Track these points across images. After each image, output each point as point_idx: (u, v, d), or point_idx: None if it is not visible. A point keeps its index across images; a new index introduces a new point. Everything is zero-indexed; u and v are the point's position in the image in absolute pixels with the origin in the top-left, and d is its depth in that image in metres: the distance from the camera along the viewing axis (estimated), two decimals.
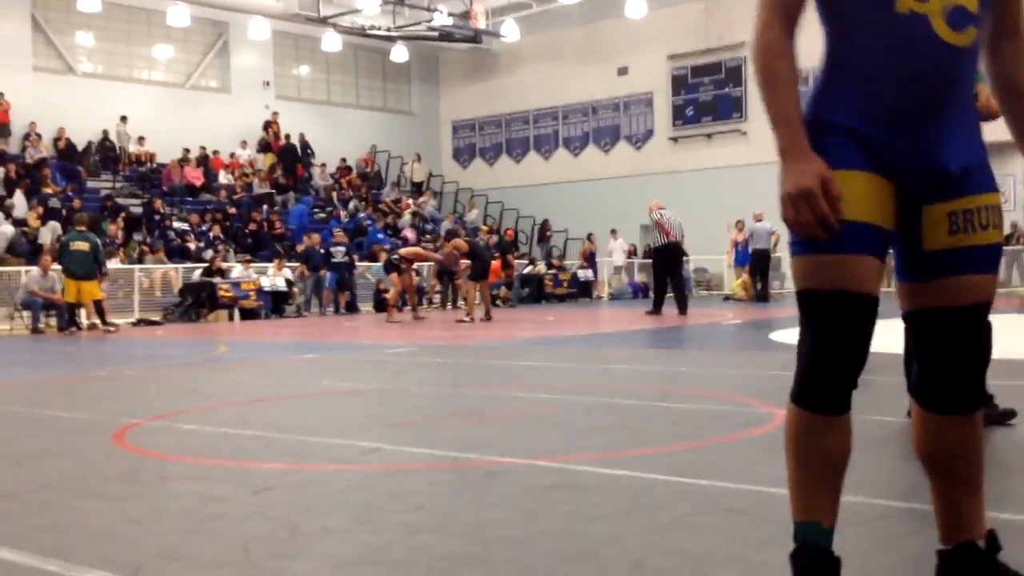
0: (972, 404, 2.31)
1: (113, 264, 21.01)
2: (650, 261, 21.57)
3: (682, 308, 17.60)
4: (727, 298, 21.91)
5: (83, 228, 18.04)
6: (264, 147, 30.47)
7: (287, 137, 30.65)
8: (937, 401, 2.32)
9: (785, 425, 2.32)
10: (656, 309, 17.86)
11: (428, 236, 28.43)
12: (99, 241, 18.04)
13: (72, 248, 17.48)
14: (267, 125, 30.68)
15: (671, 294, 17.92)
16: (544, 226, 31.76)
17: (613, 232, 29.37)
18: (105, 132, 27.18)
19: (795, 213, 2.10)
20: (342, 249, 22.65)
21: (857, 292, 2.18)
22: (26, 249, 21.16)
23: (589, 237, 29.57)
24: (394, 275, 18.90)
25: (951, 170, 2.21)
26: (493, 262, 26.58)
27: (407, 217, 29.52)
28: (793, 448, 2.30)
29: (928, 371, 2.32)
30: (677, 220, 18.16)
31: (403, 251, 19.88)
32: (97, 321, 17.64)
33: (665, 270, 18.02)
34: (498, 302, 25.30)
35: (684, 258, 18.84)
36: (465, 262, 18.99)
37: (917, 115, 2.18)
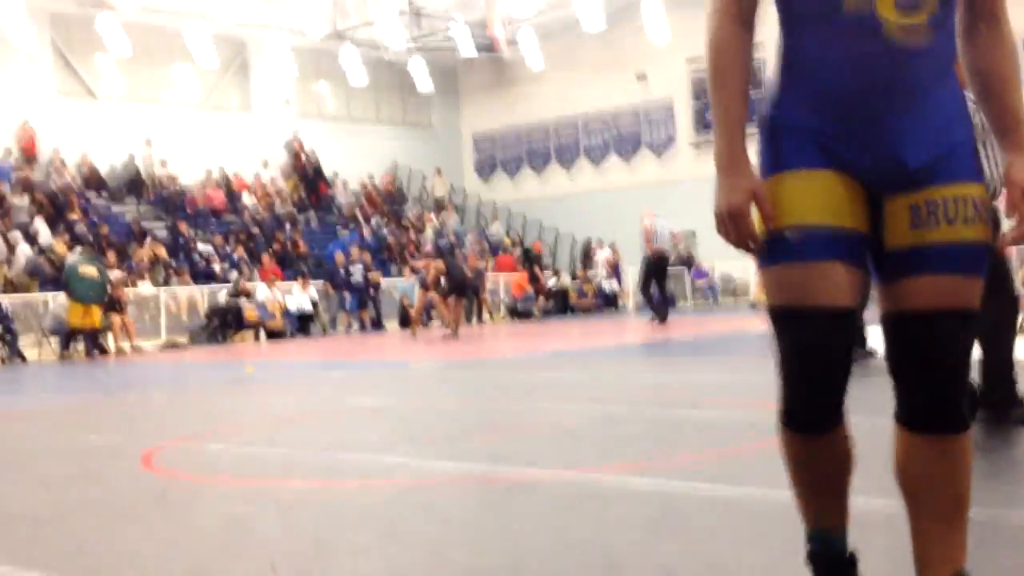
0: (943, 425, 2.08)
1: (144, 288, 21.20)
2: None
3: (662, 317, 17.59)
4: (754, 305, 21.79)
5: (88, 253, 18.32)
6: (290, 173, 30.56)
7: (309, 154, 30.77)
8: (906, 418, 2.12)
9: (780, 445, 2.22)
10: (660, 318, 17.69)
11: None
12: (103, 266, 18.08)
13: (82, 272, 17.62)
14: (290, 145, 30.79)
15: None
16: (588, 247, 30.99)
17: (599, 242, 29.32)
18: (131, 156, 27.38)
19: (725, 231, 2.05)
20: (360, 267, 22.62)
21: (825, 306, 2.02)
22: (49, 275, 21.32)
23: (612, 247, 29.52)
24: (418, 291, 19.01)
25: (908, 163, 2.04)
26: (517, 275, 26.68)
27: (429, 232, 29.57)
28: (791, 468, 2.21)
29: (896, 382, 2.13)
30: (666, 228, 18.18)
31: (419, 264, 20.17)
32: (81, 347, 17.69)
33: (651, 279, 17.90)
34: (534, 312, 25.29)
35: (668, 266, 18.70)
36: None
37: (871, 106, 2.03)
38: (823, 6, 2.02)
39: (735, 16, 2.10)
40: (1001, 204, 4.98)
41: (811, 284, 2.02)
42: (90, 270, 17.62)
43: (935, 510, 2.14)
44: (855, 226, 2.06)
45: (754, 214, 2.06)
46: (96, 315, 17.47)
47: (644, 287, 18.07)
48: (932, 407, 2.08)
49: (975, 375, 5.06)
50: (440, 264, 18.19)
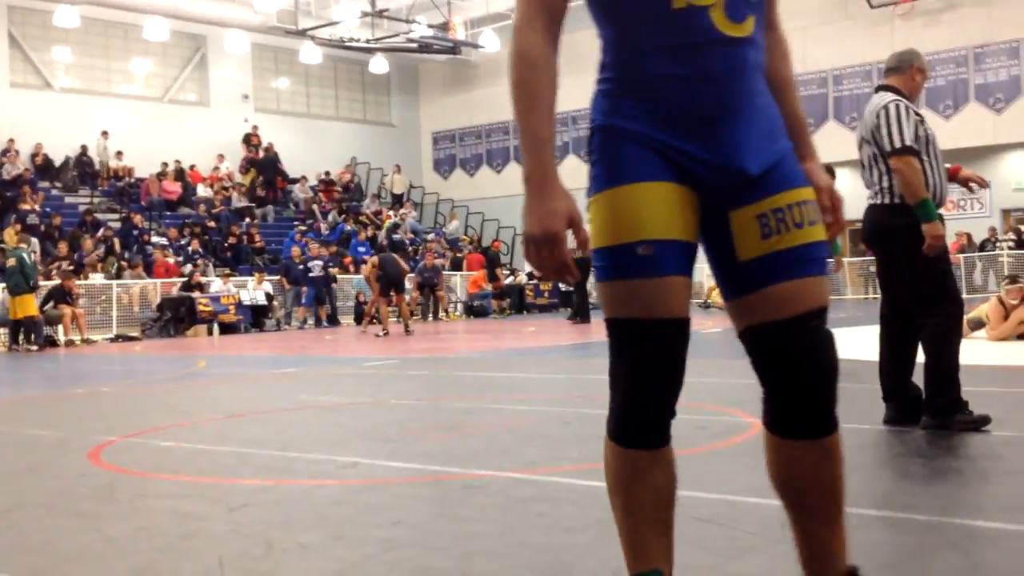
0: (820, 428, 2.10)
1: (96, 279, 20.96)
2: None
3: (586, 317, 18.79)
4: (707, 305, 21.94)
5: (14, 244, 18.14)
6: (248, 166, 30.31)
7: (267, 148, 30.57)
8: (782, 425, 2.10)
9: (606, 469, 2.12)
10: (581, 318, 18.88)
11: (410, 248, 28.42)
12: (25, 255, 17.79)
13: (9, 265, 17.51)
14: (247, 138, 30.58)
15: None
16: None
17: (496, 243, 29.45)
18: (84, 147, 27.05)
19: (538, 257, 1.95)
20: (319, 263, 22.54)
21: (672, 317, 2.01)
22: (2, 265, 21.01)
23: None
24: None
25: (750, 170, 2.02)
26: (475, 274, 26.70)
27: (385, 230, 29.48)
28: (620, 491, 2.09)
29: (769, 392, 2.11)
30: None
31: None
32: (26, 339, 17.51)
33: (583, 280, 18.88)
34: (492, 310, 25.34)
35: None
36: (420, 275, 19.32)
37: (707, 115, 2.00)
38: (653, 16, 1.99)
39: (544, 30, 2.04)
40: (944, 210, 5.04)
41: (661, 297, 1.99)
42: (11, 260, 17.47)
43: (821, 512, 2.14)
44: (689, 238, 2.05)
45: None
46: (22, 305, 17.22)
47: (580, 288, 19.28)
48: (811, 411, 2.08)
49: (919, 381, 5.15)
50: (375, 260, 18.29)
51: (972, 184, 5.50)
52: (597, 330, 17.44)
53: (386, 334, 17.50)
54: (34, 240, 21.66)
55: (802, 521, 2.16)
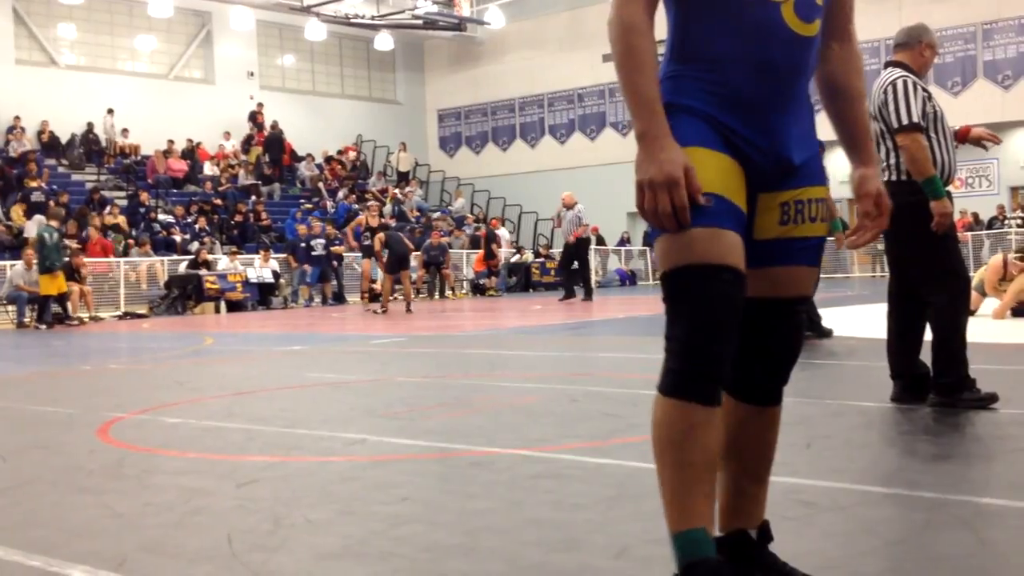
0: (775, 398, 2.34)
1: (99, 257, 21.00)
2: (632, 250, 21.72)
3: (571, 295, 19.44)
4: None
5: (51, 221, 18.14)
6: (248, 143, 30.28)
7: (272, 126, 30.53)
8: (745, 390, 2.31)
9: (656, 426, 2.14)
10: (577, 294, 19.40)
11: (415, 225, 28.39)
12: (47, 234, 17.71)
13: (42, 240, 17.53)
14: (253, 116, 30.53)
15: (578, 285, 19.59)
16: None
17: (495, 221, 29.36)
18: (90, 124, 27.03)
19: (655, 201, 2.01)
20: (322, 242, 22.51)
21: (729, 264, 2.07)
22: (6, 243, 21.07)
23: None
24: (366, 261, 19.27)
25: (794, 160, 2.20)
26: (481, 251, 26.69)
27: (388, 207, 29.46)
28: (672, 448, 2.10)
29: (744, 360, 2.25)
30: (575, 216, 19.24)
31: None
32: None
33: (572, 261, 19.62)
34: (489, 292, 25.37)
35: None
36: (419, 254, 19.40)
37: (765, 104, 2.15)
38: (728, 4, 2.11)
39: (644, 4, 2.13)
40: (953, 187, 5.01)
41: (720, 245, 2.07)
42: (44, 237, 17.49)
43: (757, 472, 2.38)
44: (743, 207, 2.16)
45: None
46: (44, 283, 17.27)
47: (583, 268, 19.76)
48: (779, 383, 2.32)
49: (927, 359, 5.14)
50: (382, 236, 18.31)
51: (985, 142, 5.47)
52: (601, 310, 17.45)
53: (384, 311, 17.50)
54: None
55: (736, 477, 2.36)
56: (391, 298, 18.80)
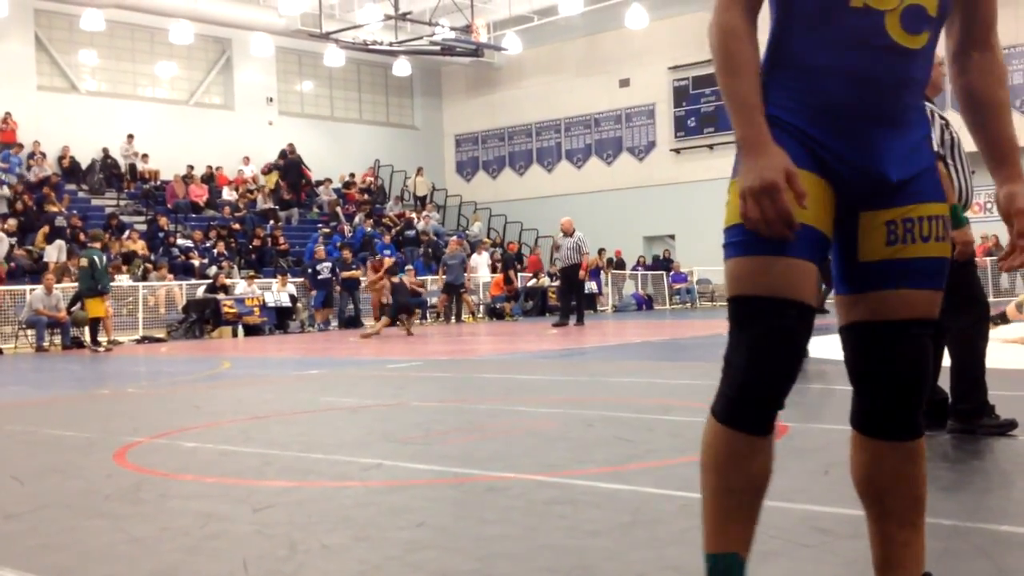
0: (907, 431, 2.15)
1: (121, 281, 21.10)
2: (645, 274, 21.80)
3: (566, 322, 19.60)
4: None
5: (93, 244, 18.23)
6: (270, 169, 30.43)
7: (291, 151, 30.68)
8: (870, 424, 2.16)
9: (705, 447, 2.14)
10: (570, 321, 19.52)
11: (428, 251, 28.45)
12: (96, 257, 17.67)
13: (80, 264, 17.62)
14: (284, 155, 30.50)
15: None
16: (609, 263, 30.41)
17: (512, 245, 29.40)
18: (106, 150, 27.24)
19: (758, 209, 1.94)
20: (328, 265, 22.63)
21: (795, 299, 2.02)
22: (26, 267, 21.21)
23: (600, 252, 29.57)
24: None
25: (890, 177, 2.07)
26: (498, 275, 26.71)
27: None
28: (715, 473, 2.10)
29: (860, 390, 2.16)
30: (574, 243, 19.35)
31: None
32: (87, 340, 17.58)
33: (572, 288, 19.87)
34: (505, 316, 25.37)
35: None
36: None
37: (860, 117, 2.05)
38: (828, 10, 2.02)
39: (744, 8, 2.06)
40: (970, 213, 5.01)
41: (787, 277, 2.02)
42: (82, 262, 17.59)
43: (900, 514, 2.18)
44: (823, 229, 2.08)
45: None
46: (92, 306, 17.33)
47: (578, 294, 20.07)
48: (903, 415, 2.13)
49: (945, 385, 5.11)
50: (387, 284, 18.74)
51: None
52: (617, 334, 17.42)
53: (376, 335, 17.81)
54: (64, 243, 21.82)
55: (880, 522, 2.19)
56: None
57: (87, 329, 17.85)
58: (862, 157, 2.06)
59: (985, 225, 25.07)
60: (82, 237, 22.43)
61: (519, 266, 28.66)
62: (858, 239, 2.12)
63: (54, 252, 21.60)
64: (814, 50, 2.05)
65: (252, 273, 22.89)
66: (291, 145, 30.65)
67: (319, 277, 22.42)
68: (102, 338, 17.70)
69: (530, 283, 27.57)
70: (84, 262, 17.51)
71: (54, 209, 23.73)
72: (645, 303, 28.88)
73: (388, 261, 20.93)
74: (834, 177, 2.07)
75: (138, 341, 19.88)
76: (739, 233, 2.05)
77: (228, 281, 22.05)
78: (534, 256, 29.45)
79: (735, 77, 2.02)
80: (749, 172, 1.96)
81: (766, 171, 1.94)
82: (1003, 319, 10.61)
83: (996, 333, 8.66)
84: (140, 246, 23.62)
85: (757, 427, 2.07)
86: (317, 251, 23.45)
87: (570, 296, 19.86)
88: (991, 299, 9.43)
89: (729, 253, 2.08)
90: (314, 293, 22.53)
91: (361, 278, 22.98)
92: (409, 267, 23.39)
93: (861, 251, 2.12)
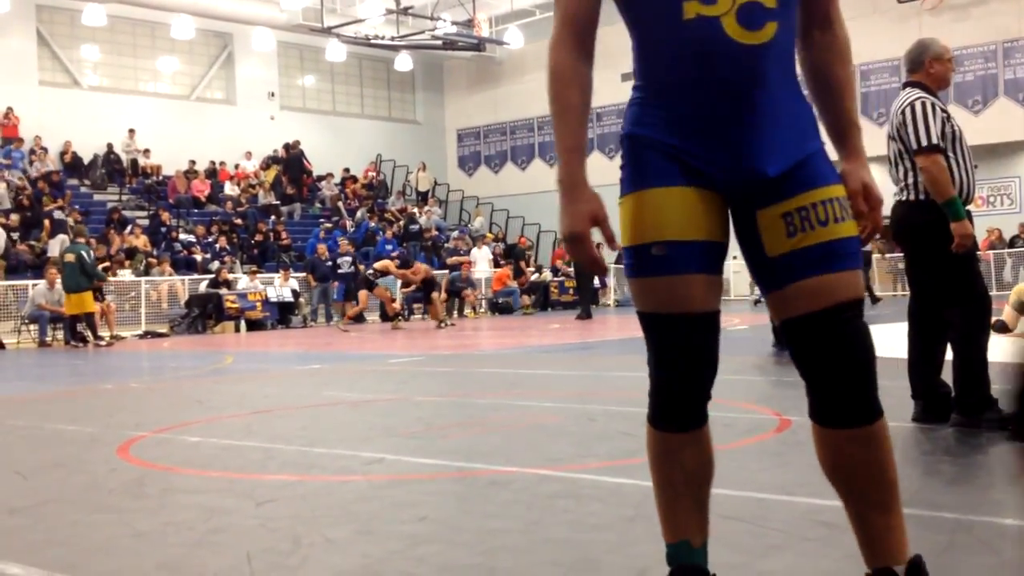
0: (862, 416, 2.13)
1: (123, 276, 21.09)
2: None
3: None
4: (758, 302, 21.77)
5: (78, 239, 18.16)
6: (269, 163, 30.41)
7: (293, 146, 30.66)
8: (824, 414, 2.16)
9: (646, 447, 2.32)
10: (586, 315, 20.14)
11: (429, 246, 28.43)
12: (84, 252, 17.59)
13: (65, 260, 17.50)
14: (288, 148, 30.48)
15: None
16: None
17: (476, 240, 29.43)
18: (109, 145, 27.24)
19: (572, 253, 2.13)
20: (348, 259, 22.66)
21: (688, 312, 2.14)
22: (28, 262, 21.21)
23: (598, 246, 29.50)
24: (363, 292, 19.52)
25: (768, 172, 2.09)
26: (500, 270, 26.71)
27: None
28: (654, 468, 2.29)
29: (809, 382, 2.17)
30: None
31: (377, 264, 20.37)
32: (89, 335, 17.55)
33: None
34: (525, 310, 25.40)
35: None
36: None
37: (721, 122, 2.08)
38: (665, 27, 2.07)
39: (572, 47, 2.15)
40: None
41: (675, 294, 2.13)
42: (69, 257, 17.50)
43: (874, 500, 2.18)
44: (711, 237, 2.15)
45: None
46: (79, 301, 17.26)
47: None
48: (849, 401, 2.13)
49: (947, 379, 5.11)
50: (423, 268, 19.05)
51: None
52: (618, 328, 17.42)
53: (346, 330, 18.26)
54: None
55: (856, 506, 2.21)
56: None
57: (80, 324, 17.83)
58: (732, 159, 2.10)
59: (988, 218, 25.06)
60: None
61: (528, 261, 28.66)
62: (761, 237, 2.15)
63: (56, 246, 21.59)
64: (663, 66, 2.11)
65: (254, 268, 22.89)
66: (296, 141, 30.61)
67: (340, 271, 22.46)
68: (104, 332, 17.70)
69: (533, 278, 27.55)
70: (71, 257, 17.38)
71: (55, 204, 23.72)
72: None
73: (423, 268, 20.90)
74: (713, 183, 2.13)
75: (141, 336, 19.90)
76: (628, 255, 2.19)
77: (230, 276, 22.05)
78: (560, 250, 29.40)
79: (558, 120, 2.14)
80: (562, 219, 2.11)
81: (574, 220, 2.10)
82: (1003, 328, 10.50)
83: (1001, 342, 8.66)
84: (142, 241, 23.61)
85: (678, 425, 2.23)
86: (320, 248, 23.45)
87: (588, 289, 20.56)
88: (993, 292, 9.40)
89: (626, 272, 2.24)
90: (335, 285, 22.52)
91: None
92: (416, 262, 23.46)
93: (767, 248, 2.15)
